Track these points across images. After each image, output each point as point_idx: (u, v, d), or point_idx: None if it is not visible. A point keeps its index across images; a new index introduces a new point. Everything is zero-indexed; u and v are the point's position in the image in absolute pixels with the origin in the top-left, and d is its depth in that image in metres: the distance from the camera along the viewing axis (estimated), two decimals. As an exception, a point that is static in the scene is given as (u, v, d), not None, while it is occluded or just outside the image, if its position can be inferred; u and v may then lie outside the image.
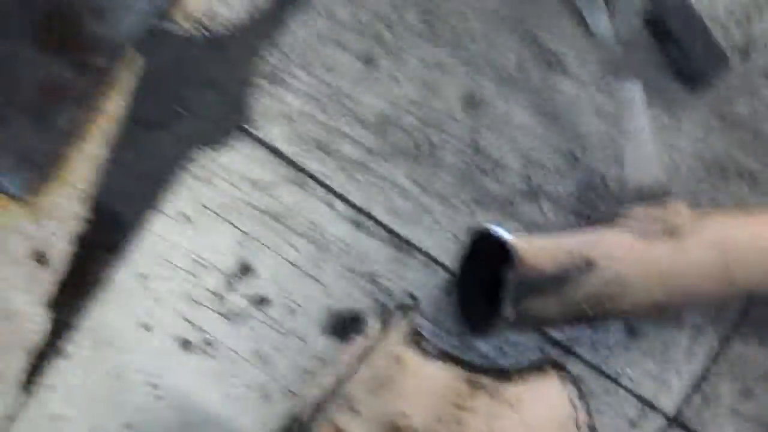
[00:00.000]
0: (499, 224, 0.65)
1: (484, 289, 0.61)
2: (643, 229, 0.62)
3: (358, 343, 0.60)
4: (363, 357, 0.58)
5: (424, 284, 0.70)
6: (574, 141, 0.73)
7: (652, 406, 0.65)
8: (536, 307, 0.60)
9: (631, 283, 0.61)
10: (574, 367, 0.67)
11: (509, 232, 0.64)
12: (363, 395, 0.56)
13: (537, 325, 0.60)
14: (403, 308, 0.60)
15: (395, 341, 0.58)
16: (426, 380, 0.56)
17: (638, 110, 0.65)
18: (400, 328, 0.59)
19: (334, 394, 0.56)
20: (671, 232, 0.62)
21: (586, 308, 0.61)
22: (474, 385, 0.57)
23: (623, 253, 0.61)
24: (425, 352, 0.58)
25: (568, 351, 0.68)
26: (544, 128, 0.73)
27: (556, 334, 0.69)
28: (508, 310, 0.58)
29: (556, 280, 0.60)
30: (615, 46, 0.72)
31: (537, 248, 0.61)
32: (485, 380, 0.58)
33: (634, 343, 0.68)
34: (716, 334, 0.67)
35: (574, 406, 0.59)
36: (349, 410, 0.55)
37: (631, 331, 0.68)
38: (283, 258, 0.70)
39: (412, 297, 0.60)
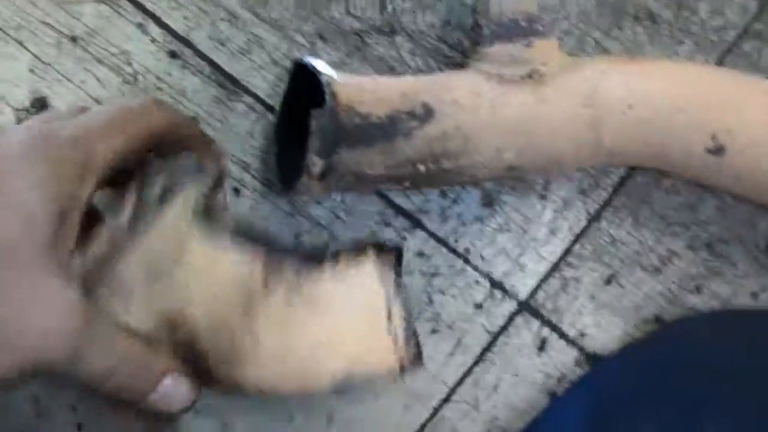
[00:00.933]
0: (321, 59, 0.52)
1: (303, 138, 0.49)
2: (498, 72, 0.50)
3: (133, 208, 0.47)
4: (139, 228, 0.46)
5: (250, 132, 0.59)
6: (442, -37, 0.60)
7: (502, 289, 0.55)
8: (355, 160, 0.48)
9: (476, 137, 0.49)
10: (419, 240, 0.57)
11: (335, 68, 0.51)
12: (138, 278, 0.44)
13: (358, 183, 0.49)
14: (200, 166, 0.48)
15: (181, 213, 0.46)
16: (215, 264, 0.45)
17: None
18: (190, 195, 0.47)
19: (104, 267, 0.45)
20: (533, 77, 0.49)
21: (419, 166, 0.49)
22: (272, 271, 0.46)
23: (470, 100, 0.49)
24: (219, 228, 0.46)
25: (414, 221, 0.58)
26: (406, -55, 0.59)
27: (400, 200, 0.58)
28: (313, 160, 0.47)
29: (384, 128, 0.48)
30: None
31: (363, 88, 0.49)
32: (287, 264, 0.47)
33: (489, 216, 0.57)
34: (585, 210, 0.56)
35: (388, 297, 0.48)
36: (122, 294, 0.44)
37: (488, 202, 0.57)
38: (82, 91, 0.58)
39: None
